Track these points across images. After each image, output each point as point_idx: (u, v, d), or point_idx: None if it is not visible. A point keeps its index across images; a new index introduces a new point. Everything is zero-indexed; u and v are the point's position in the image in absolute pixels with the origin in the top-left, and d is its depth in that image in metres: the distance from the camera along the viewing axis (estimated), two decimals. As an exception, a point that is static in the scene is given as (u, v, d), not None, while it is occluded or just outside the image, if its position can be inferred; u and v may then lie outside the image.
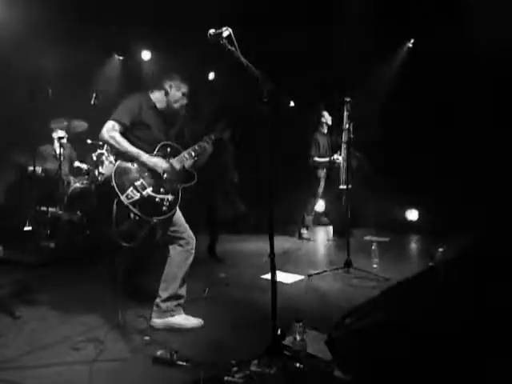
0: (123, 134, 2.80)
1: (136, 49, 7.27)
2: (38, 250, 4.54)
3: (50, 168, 5.27)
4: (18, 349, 2.50)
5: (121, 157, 2.81)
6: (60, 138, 5.26)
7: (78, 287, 3.75)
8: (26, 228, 4.88)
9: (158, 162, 2.85)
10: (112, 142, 2.74)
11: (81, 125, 5.33)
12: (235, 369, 2.15)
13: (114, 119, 2.79)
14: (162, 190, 2.84)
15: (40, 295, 3.44)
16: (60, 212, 4.94)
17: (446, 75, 6.11)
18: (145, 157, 2.80)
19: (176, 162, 2.96)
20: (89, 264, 4.50)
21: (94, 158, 5.22)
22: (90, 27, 5.97)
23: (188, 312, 2.94)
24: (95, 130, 5.48)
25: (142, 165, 2.80)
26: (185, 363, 2.28)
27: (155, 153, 2.88)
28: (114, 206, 2.68)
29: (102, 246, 4.88)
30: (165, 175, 2.86)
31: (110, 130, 2.75)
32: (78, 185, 5.19)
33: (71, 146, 5.72)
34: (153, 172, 2.83)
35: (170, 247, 2.92)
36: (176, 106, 3.01)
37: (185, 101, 3.03)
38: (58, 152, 5.13)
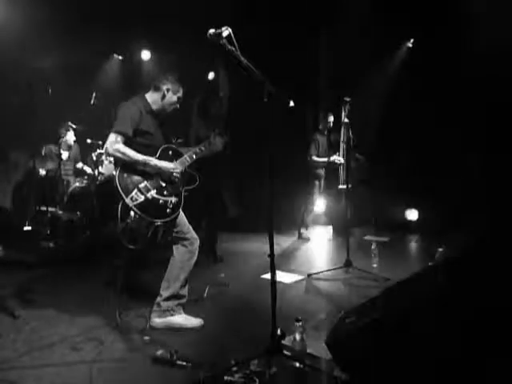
0: (126, 143, 2.77)
1: (136, 49, 7.26)
2: (37, 250, 4.54)
3: (52, 168, 5.27)
4: (18, 349, 2.50)
5: (129, 165, 2.77)
6: (61, 138, 5.29)
7: (78, 287, 3.74)
8: (26, 228, 4.88)
9: (167, 165, 2.85)
10: (118, 154, 2.71)
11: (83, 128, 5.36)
12: (235, 369, 2.15)
13: (116, 131, 2.76)
14: (165, 192, 2.84)
15: (40, 295, 3.44)
16: (60, 212, 4.94)
17: (445, 75, 6.11)
18: (153, 162, 2.80)
19: (178, 165, 2.96)
20: (89, 264, 4.49)
21: (94, 158, 5.24)
22: (90, 27, 5.96)
23: (188, 312, 2.94)
24: (95, 129, 5.53)
25: (151, 169, 2.80)
26: (185, 363, 2.28)
27: (157, 156, 2.88)
28: (119, 208, 2.67)
29: (101, 245, 4.90)
30: (173, 177, 2.86)
31: (114, 143, 2.72)
32: (77, 185, 5.19)
33: (78, 147, 5.75)
34: (156, 174, 2.83)
35: (174, 247, 2.92)
36: (169, 109, 3.00)
37: (178, 105, 3.02)
38: (60, 152, 5.15)
